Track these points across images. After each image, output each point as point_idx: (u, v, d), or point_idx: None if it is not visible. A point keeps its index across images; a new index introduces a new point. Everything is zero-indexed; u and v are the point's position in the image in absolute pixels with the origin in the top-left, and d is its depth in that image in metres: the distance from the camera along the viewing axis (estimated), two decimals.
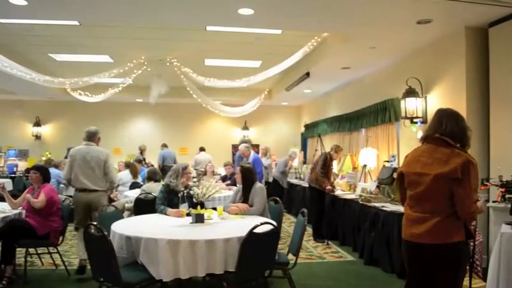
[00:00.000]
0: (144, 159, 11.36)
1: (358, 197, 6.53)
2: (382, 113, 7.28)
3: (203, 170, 9.54)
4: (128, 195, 6.89)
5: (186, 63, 8.79)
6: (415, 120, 6.10)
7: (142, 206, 5.36)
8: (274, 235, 3.55)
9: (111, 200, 6.62)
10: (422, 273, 2.77)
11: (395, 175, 6.14)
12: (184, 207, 4.53)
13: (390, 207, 5.54)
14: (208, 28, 6.78)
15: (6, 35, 7.36)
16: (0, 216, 4.69)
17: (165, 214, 4.53)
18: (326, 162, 7.03)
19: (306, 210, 4.11)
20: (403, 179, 2.92)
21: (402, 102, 6.14)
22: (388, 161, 6.91)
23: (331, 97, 10.71)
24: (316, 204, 7.01)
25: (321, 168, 6.98)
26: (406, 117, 6.13)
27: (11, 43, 7.88)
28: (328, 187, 6.88)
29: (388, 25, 5.47)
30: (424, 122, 6.04)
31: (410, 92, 6.05)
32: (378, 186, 6.52)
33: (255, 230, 3.33)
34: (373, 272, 5.37)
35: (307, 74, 8.57)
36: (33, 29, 6.99)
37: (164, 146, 12.07)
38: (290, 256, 4.18)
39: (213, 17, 5.61)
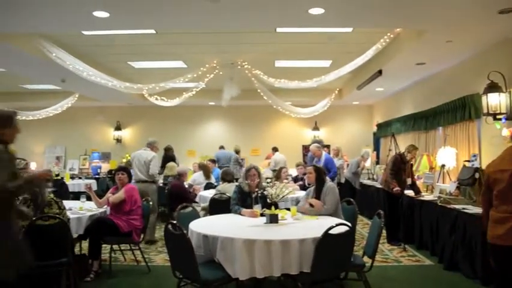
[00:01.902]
0: (243, 159, 11.62)
1: (436, 198, 6.24)
2: (461, 110, 6.90)
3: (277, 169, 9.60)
4: (203, 195, 7.12)
5: (256, 65, 8.91)
6: (498, 116, 5.72)
7: (217, 206, 5.54)
8: (349, 236, 3.50)
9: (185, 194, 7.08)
10: (508, 277, 2.62)
11: (477, 175, 5.81)
12: (257, 208, 4.60)
13: (472, 209, 5.24)
14: (278, 30, 6.83)
15: (89, 46, 7.91)
16: (88, 215, 5.05)
17: (240, 214, 4.62)
18: (396, 163, 6.77)
19: (382, 212, 4.00)
20: (488, 180, 2.80)
21: (483, 98, 5.78)
22: (468, 161, 6.53)
23: (405, 95, 10.33)
24: (387, 206, 6.74)
25: (390, 169, 6.72)
26: (488, 114, 5.76)
27: (93, 53, 8.45)
28: (396, 189, 6.56)
29: (466, 16, 5.16)
30: (508, 118, 5.64)
31: (493, 87, 5.67)
32: (458, 187, 6.19)
33: (331, 231, 3.31)
34: (453, 278, 5.11)
35: (380, 72, 8.34)
36: (113, 39, 7.44)
37: (221, 147, 12.32)
38: (365, 259, 4.10)
39: (283, 19, 5.64)
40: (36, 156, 14.02)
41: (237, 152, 11.62)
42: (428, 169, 7.93)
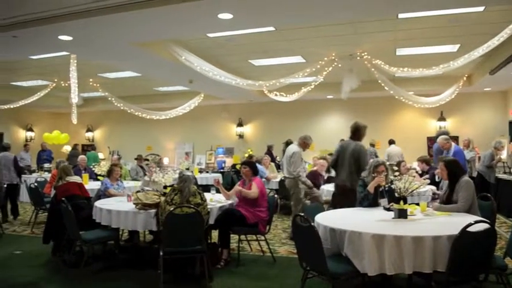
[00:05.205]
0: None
1: None
2: None
3: (394, 163, 9.20)
4: (325, 189, 7.14)
5: (376, 55, 8.62)
6: None
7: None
8: (491, 235, 3.21)
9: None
10: None
11: None
12: (384, 202, 4.47)
13: None
14: (400, 15, 6.52)
15: (212, 47, 8.37)
16: (218, 206, 5.36)
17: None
18: None
19: None
20: None
21: None
22: None
23: None
24: None
25: None
26: None
27: (216, 54, 8.91)
28: None
29: None
30: None
31: None
32: None
33: (469, 229, 3.08)
34: None
35: None
36: (234, 39, 7.78)
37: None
38: (506, 260, 3.73)
39: (407, 3, 5.37)
40: (168, 151, 15.36)
41: (373, 145, 11.37)
42: None
